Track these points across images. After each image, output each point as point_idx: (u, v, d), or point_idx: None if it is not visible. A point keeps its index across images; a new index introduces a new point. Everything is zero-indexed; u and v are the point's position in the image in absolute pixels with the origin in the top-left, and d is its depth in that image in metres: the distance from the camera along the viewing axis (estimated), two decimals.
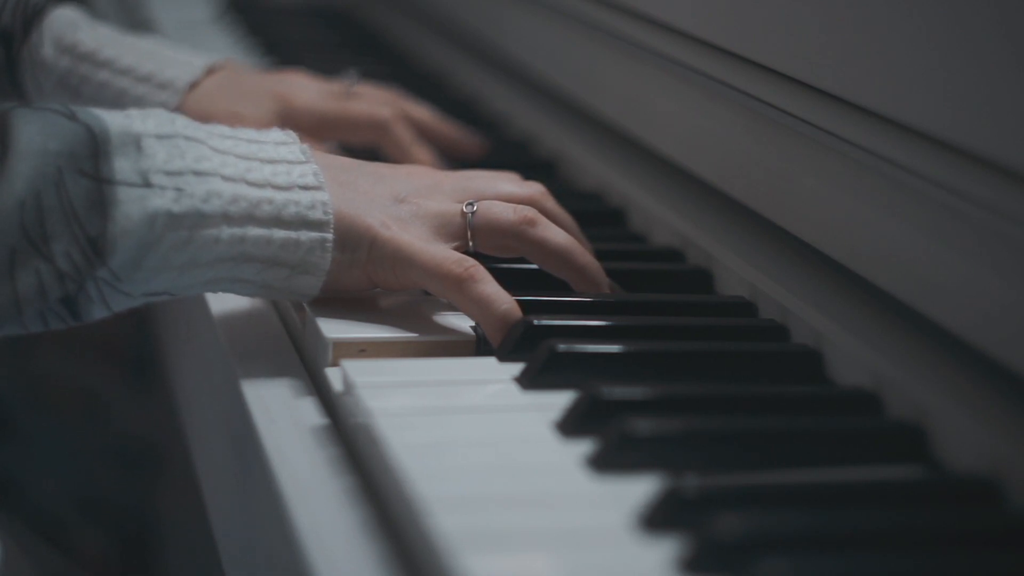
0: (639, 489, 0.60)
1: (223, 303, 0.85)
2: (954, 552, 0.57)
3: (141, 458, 1.55)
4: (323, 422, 0.71)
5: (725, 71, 0.87)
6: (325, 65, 1.41)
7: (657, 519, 0.58)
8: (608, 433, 0.63)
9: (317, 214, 0.74)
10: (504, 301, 0.74)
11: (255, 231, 0.72)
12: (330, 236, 0.74)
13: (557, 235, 0.79)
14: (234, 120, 0.91)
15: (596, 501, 0.60)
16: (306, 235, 0.73)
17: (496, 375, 0.72)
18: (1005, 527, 0.59)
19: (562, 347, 0.71)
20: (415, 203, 0.78)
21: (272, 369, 0.76)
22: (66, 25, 1.01)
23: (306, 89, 1.03)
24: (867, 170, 0.74)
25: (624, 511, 0.59)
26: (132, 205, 0.69)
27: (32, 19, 1.01)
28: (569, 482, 0.62)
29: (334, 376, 0.72)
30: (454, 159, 1.06)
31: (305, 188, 0.74)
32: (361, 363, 0.71)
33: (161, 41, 1.04)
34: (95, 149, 0.69)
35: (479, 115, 1.21)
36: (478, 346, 0.75)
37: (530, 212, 0.79)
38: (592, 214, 0.96)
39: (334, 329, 0.75)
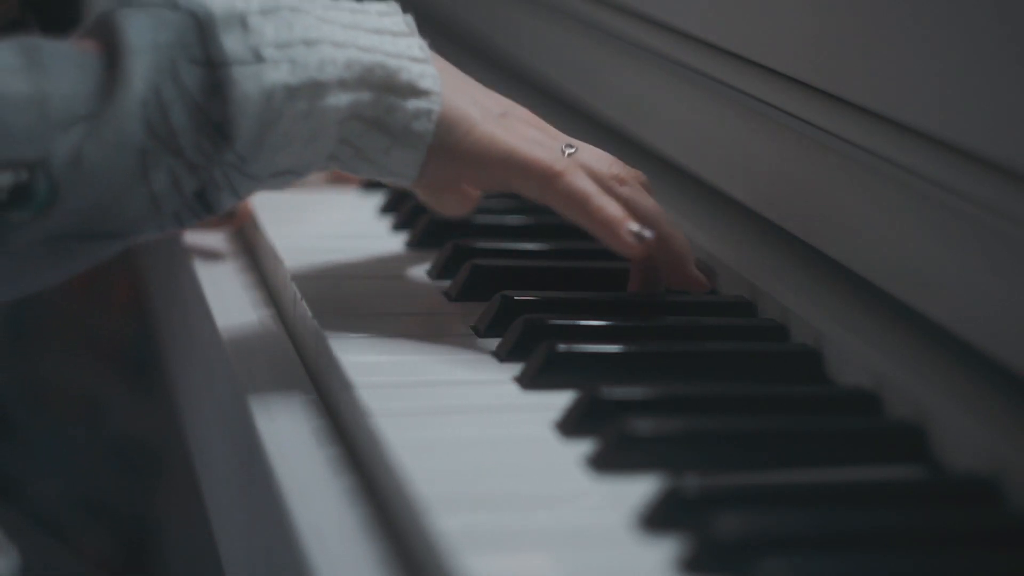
0: (639, 489, 0.60)
1: (223, 303, 0.85)
2: (954, 552, 0.57)
3: (141, 458, 1.54)
4: (323, 422, 0.71)
5: (726, 71, 0.87)
6: None
7: (657, 519, 0.58)
8: (608, 433, 0.63)
9: (427, 83, 0.73)
10: (602, 196, 0.74)
11: (369, 95, 0.72)
12: (436, 108, 0.73)
13: (647, 200, 0.77)
14: None
15: (596, 501, 0.60)
16: (412, 103, 0.72)
17: (496, 375, 0.72)
18: (1005, 527, 0.59)
19: (562, 347, 0.71)
20: (516, 122, 0.77)
21: (272, 369, 0.76)
22: None
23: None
24: (868, 170, 0.74)
25: (624, 511, 0.59)
26: (248, 83, 0.69)
27: None
28: (569, 482, 0.62)
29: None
30: None
31: (414, 59, 0.73)
32: (361, 363, 0.71)
33: None
34: (203, 34, 0.69)
35: None
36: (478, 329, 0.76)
37: (623, 171, 0.77)
38: None
39: (332, 327, 0.75)
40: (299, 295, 0.80)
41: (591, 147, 0.79)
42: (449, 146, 0.74)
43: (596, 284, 0.82)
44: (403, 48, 0.73)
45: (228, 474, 0.78)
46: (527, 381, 0.70)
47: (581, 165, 0.76)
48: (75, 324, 1.59)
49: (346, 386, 0.69)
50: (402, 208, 0.96)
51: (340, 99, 0.71)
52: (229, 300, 0.86)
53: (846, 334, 0.72)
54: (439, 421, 0.67)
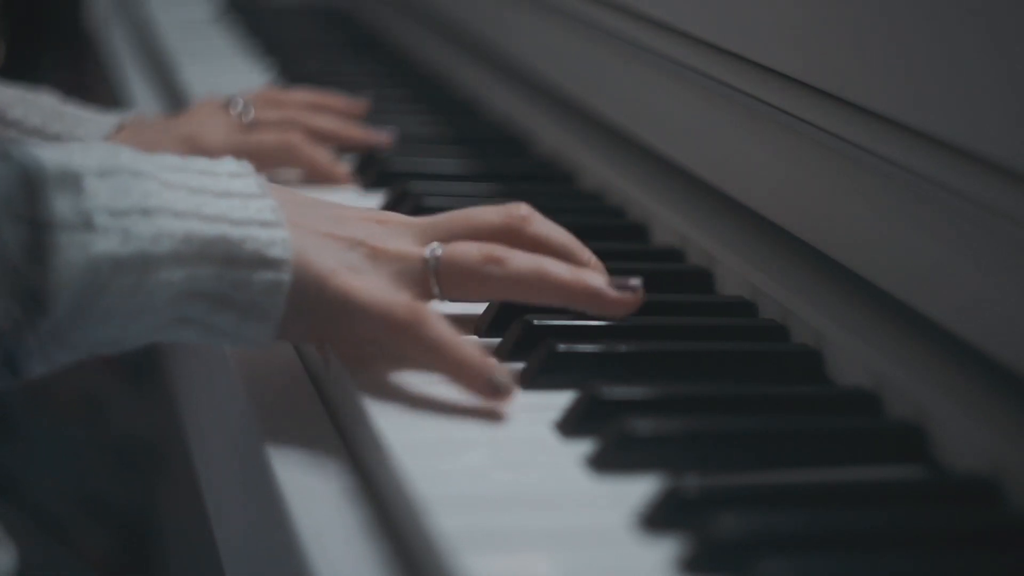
0: (639, 489, 0.60)
1: None
2: (954, 552, 0.57)
3: (141, 458, 1.54)
4: (324, 422, 0.71)
5: (726, 72, 0.87)
6: (325, 65, 1.41)
7: (657, 519, 0.58)
8: (608, 433, 0.63)
9: (276, 251, 0.67)
10: (464, 345, 0.68)
11: (208, 270, 0.66)
12: (287, 278, 0.67)
13: (526, 265, 0.71)
14: None
15: (596, 501, 0.60)
16: (260, 275, 0.67)
17: None
18: (1005, 527, 0.59)
19: (562, 347, 0.71)
20: (372, 247, 0.71)
21: (272, 368, 0.76)
22: None
23: (214, 127, 1.02)
24: (868, 170, 0.74)
25: (624, 511, 0.59)
26: (73, 251, 0.63)
27: None
28: (569, 482, 0.62)
29: None
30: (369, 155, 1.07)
31: (264, 224, 0.68)
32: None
33: (64, 99, 1.03)
34: (31, 190, 0.64)
35: (478, 115, 1.21)
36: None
37: (496, 251, 0.72)
38: (592, 213, 0.96)
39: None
40: None
41: (464, 221, 0.74)
42: (299, 310, 0.69)
43: None
44: (253, 213, 0.68)
45: (228, 473, 0.78)
46: (527, 381, 0.70)
47: (448, 265, 0.71)
48: None
49: (346, 386, 0.69)
50: (402, 208, 0.96)
51: (173, 274, 0.66)
52: None
53: (846, 334, 0.72)
54: (439, 421, 0.67)
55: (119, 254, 0.64)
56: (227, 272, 0.67)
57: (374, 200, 1.00)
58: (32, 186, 0.64)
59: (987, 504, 0.61)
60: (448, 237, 0.73)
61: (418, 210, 0.94)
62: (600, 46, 1.06)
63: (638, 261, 0.88)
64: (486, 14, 1.30)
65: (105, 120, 1.01)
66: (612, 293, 0.72)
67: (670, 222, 0.91)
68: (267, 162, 1.02)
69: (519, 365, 0.72)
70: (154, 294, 0.66)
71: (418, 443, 0.63)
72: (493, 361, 0.68)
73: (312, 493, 0.64)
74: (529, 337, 0.73)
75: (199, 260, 0.66)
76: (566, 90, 1.12)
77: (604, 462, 0.62)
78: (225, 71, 1.36)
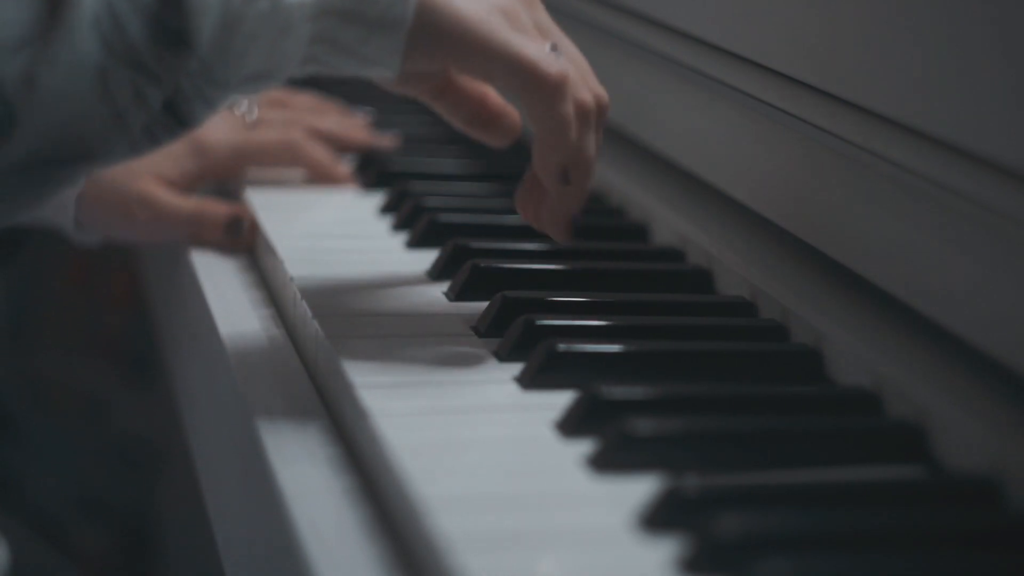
0: (639, 489, 0.60)
1: (224, 303, 0.85)
2: (954, 552, 0.57)
3: (141, 458, 1.55)
4: (323, 422, 0.71)
5: (727, 72, 0.87)
6: None
7: (657, 519, 0.58)
8: (608, 433, 0.63)
9: None
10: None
11: None
12: None
13: (590, 145, 0.76)
14: (159, 180, 0.94)
15: (596, 501, 0.60)
16: None
17: (496, 375, 0.72)
18: (1005, 527, 0.59)
19: (562, 347, 0.71)
20: (505, 4, 0.74)
21: (272, 369, 0.76)
22: None
23: (217, 124, 1.02)
24: (868, 170, 0.74)
25: (624, 511, 0.59)
26: None
27: None
28: (569, 482, 0.62)
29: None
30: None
31: None
32: (361, 363, 0.71)
33: None
34: None
35: None
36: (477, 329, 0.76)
37: (592, 103, 0.75)
38: (592, 213, 0.96)
39: (332, 327, 0.75)
40: (299, 295, 0.80)
41: (568, 45, 0.78)
42: (430, 29, 0.72)
43: (596, 284, 0.82)
44: None
45: (228, 473, 0.78)
46: (527, 381, 0.70)
47: (579, 60, 0.76)
48: (75, 323, 1.59)
49: (346, 386, 0.69)
50: (402, 208, 0.96)
51: None
52: (229, 300, 0.86)
53: (846, 334, 0.72)
54: (439, 421, 0.67)
55: None
56: None
57: (374, 199, 1.01)
58: None
59: (987, 504, 0.61)
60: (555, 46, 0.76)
61: (418, 210, 0.94)
62: (600, 46, 1.06)
63: (638, 261, 0.88)
64: None
65: None
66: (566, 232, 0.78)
67: (670, 222, 0.91)
68: (269, 160, 1.02)
69: (519, 365, 0.72)
70: (291, 13, 0.68)
71: (418, 443, 0.63)
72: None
73: (312, 493, 0.64)
74: (529, 337, 0.73)
75: None
76: None
77: (604, 462, 0.62)
78: None
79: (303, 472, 0.66)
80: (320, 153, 1.03)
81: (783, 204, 0.82)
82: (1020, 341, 0.63)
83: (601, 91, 0.78)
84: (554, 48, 0.75)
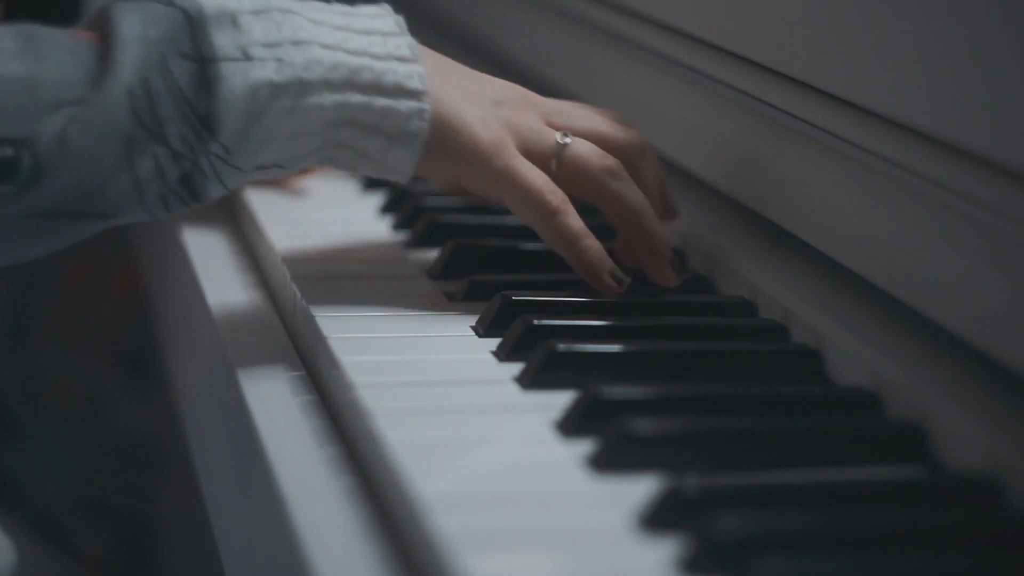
0: (639, 489, 0.60)
1: (223, 303, 0.85)
2: (954, 552, 0.57)
3: (141, 458, 1.54)
4: (323, 422, 0.71)
5: (725, 71, 0.87)
6: None
7: (657, 519, 0.58)
8: (608, 433, 0.63)
9: (414, 83, 0.75)
10: (589, 237, 0.77)
11: (356, 97, 0.74)
12: (427, 107, 0.75)
13: (634, 196, 0.79)
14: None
15: (596, 501, 0.60)
16: (404, 104, 0.75)
17: (496, 375, 0.72)
18: (1005, 527, 0.59)
19: (562, 347, 0.71)
20: (511, 113, 0.79)
21: (272, 368, 0.76)
22: None
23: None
24: (867, 170, 0.74)
25: (624, 511, 0.59)
26: (235, 79, 0.71)
27: None
28: (569, 482, 0.62)
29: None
30: None
31: (401, 60, 0.75)
32: (361, 363, 0.71)
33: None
34: (194, 31, 0.72)
35: None
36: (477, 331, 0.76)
37: (615, 164, 0.79)
38: (592, 213, 0.95)
39: (332, 327, 0.75)
40: (299, 295, 0.80)
41: (589, 122, 0.81)
42: (446, 147, 0.77)
43: None
44: (391, 49, 0.75)
45: (228, 474, 0.78)
46: (527, 381, 0.70)
47: (574, 159, 0.79)
48: (73, 322, 1.59)
49: (346, 386, 0.69)
50: (402, 208, 0.96)
51: (325, 99, 0.73)
52: (228, 299, 0.86)
53: (846, 334, 0.72)
54: (439, 421, 0.67)
55: (275, 80, 0.72)
56: (374, 100, 0.74)
57: (375, 199, 1.00)
58: (195, 27, 0.72)
59: (987, 504, 0.61)
60: (570, 131, 0.80)
61: (419, 211, 0.94)
62: (599, 45, 1.06)
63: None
64: (486, 13, 1.30)
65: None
66: (669, 273, 0.80)
67: (670, 222, 0.90)
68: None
69: (519, 365, 0.72)
70: (309, 116, 0.73)
71: (418, 442, 0.63)
72: (608, 261, 0.77)
73: (312, 493, 0.64)
74: (529, 337, 0.73)
75: (347, 87, 0.74)
76: (565, 89, 1.12)
77: (604, 462, 0.62)
78: None
79: (303, 472, 0.66)
80: None
81: (784, 204, 0.82)
82: (1020, 341, 0.63)
83: (628, 134, 0.82)
84: (564, 136, 0.79)
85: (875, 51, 0.73)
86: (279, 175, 0.77)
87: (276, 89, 0.72)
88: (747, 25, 0.85)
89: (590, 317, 0.76)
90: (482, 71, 0.83)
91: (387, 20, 0.77)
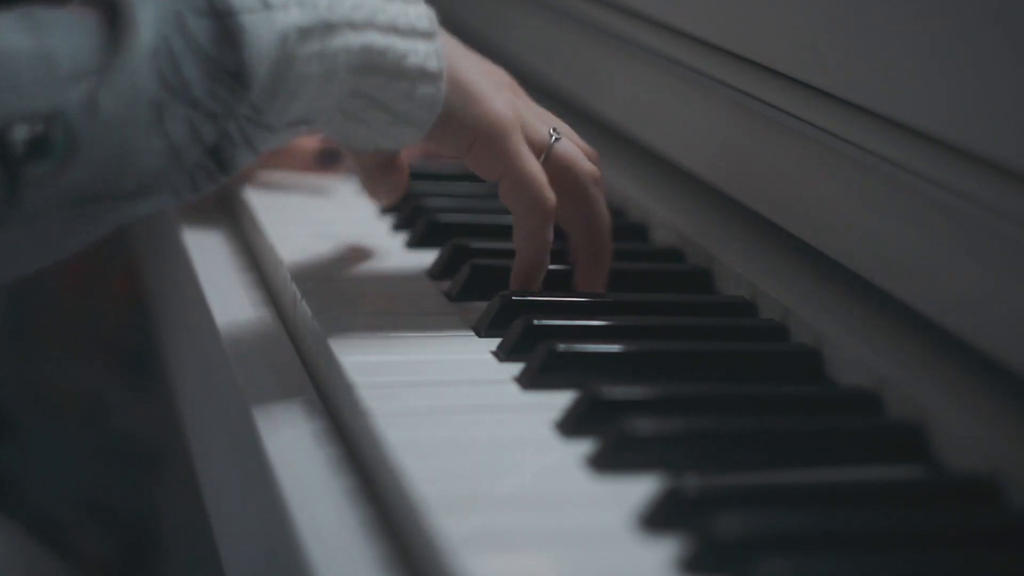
0: (639, 489, 0.60)
1: (223, 303, 0.85)
2: (954, 552, 0.57)
3: (141, 458, 1.54)
4: (323, 422, 0.71)
5: (727, 72, 0.87)
6: None
7: (657, 519, 0.58)
8: (608, 433, 0.63)
9: (425, 25, 0.75)
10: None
11: (377, 38, 0.73)
12: (439, 46, 0.75)
13: (604, 207, 0.81)
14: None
15: (596, 501, 0.60)
16: (422, 45, 0.75)
17: (496, 375, 0.72)
18: (1005, 527, 0.59)
19: (562, 347, 0.71)
20: (514, 96, 0.80)
21: (272, 369, 0.76)
22: None
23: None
24: (867, 170, 0.74)
25: (624, 511, 0.59)
26: (260, 28, 0.69)
27: None
28: (569, 482, 0.62)
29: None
30: None
31: (407, 1, 0.75)
32: (362, 363, 0.71)
33: None
34: None
35: None
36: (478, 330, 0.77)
37: (597, 171, 0.81)
38: None
39: (333, 328, 0.75)
40: (299, 295, 0.80)
41: (569, 133, 0.83)
42: (466, 115, 0.77)
43: None
44: (412, 19, 0.75)
45: (228, 474, 0.78)
46: (527, 381, 0.70)
47: (563, 155, 0.80)
48: (74, 323, 1.59)
49: (346, 386, 0.69)
50: (402, 208, 0.96)
51: (350, 39, 0.72)
52: (229, 300, 0.86)
53: (846, 334, 0.72)
54: (439, 421, 0.67)
55: (301, 23, 0.70)
56: (395, 42, 0.74)
57: None
58: None
59: (987, 504, 0.61)
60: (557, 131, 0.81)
61: (419, 211, 0.94)
62: (600, 46, 1.06)
63: (638, 261, 0.88)
64: (486, 13, 1.30)
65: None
66: (604, 284, 0.82)
67: (670, 222, 0.91)
68: (268, 160, 1.02)
69: (519, 365, 0.72)
70: (337, 59, 0.72)
71: (418, 443, 0.63)
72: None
73: (312, 493, 0.64)
74: (529, 337, 0.73)
75: (368, 26, 0.73)
76: (565, 89, 1.12)
77: (604, 462, 0.62)
78: None
79: (303, 472, 0.66)
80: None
81: (784, 204, 0.82)
82: (1020, 341, 0.63)
83: (594, 159, 0.83)
84: (555, 131, 0.80)
85: (875, 51, 0.73)
86: (307, 133, 0.75)
87: (303, 33, 0.70)
88: (747, 25, 0.85)
89: (590, 317, 0.76)
90: None
91: None
